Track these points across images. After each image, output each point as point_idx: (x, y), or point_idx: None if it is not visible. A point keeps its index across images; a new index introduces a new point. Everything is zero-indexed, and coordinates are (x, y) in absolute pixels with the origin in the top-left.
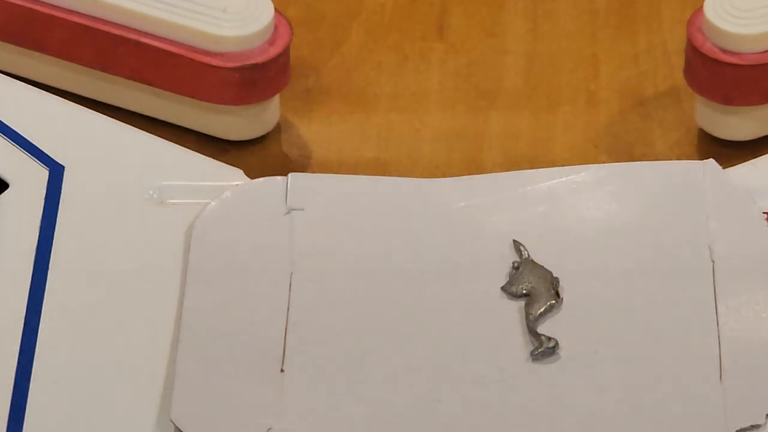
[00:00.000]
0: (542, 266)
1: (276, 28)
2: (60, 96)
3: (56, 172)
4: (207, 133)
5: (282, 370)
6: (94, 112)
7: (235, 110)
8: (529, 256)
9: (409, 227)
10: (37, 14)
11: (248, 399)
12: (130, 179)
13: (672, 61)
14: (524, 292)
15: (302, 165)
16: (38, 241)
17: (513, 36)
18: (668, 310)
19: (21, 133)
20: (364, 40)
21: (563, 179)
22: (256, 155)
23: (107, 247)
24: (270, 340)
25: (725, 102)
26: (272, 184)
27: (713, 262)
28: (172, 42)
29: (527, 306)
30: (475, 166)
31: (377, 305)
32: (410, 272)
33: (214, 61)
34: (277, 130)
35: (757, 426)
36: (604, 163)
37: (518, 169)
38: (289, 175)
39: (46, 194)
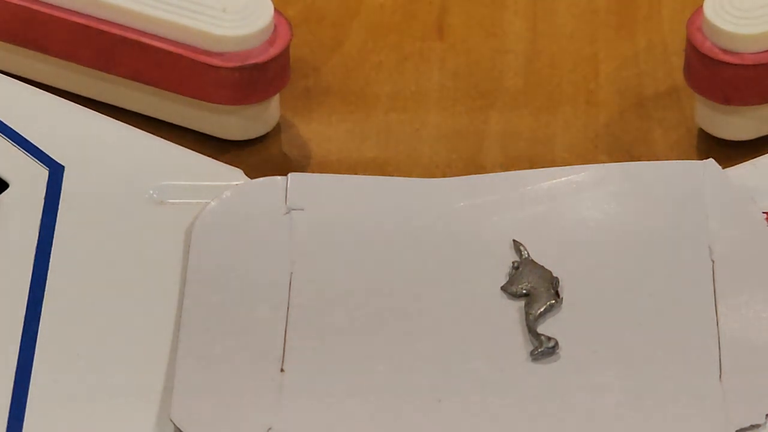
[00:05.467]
0: (542, 266)
1: (276, 28)
2: (60, 96)
3: (56, 172)
4: (207, 133)
5: (282, 370)
6: (94, 112)
7: (235, 110)
8: (529, 256)
9: (409, 227)
10: (37, 14)
11: (248, 399)
12: (130, 179)
13: (672, 61)
14: (524, 292)
15: (302, 165)
16: (38, 241)
17: (513, 36)
18: (668, 310)
19: (21, 133)
20: (364, 40)
21: (563, 179)
22: (256, 155)
23: (107, 247)
24: (270, 340)
25: (725, 102)
26: (272, 184)
27: (713, 262)
28: (172, 42)
29: (527, 306)
30: (475, 166)
31: (377, 305)
32: (410, 272)
33: (214, 61)
34: (277, 130)
35: (757, 426)
36: (604, 163)
37: (518, 169)
38: (289, 175)
39: (46, 194)
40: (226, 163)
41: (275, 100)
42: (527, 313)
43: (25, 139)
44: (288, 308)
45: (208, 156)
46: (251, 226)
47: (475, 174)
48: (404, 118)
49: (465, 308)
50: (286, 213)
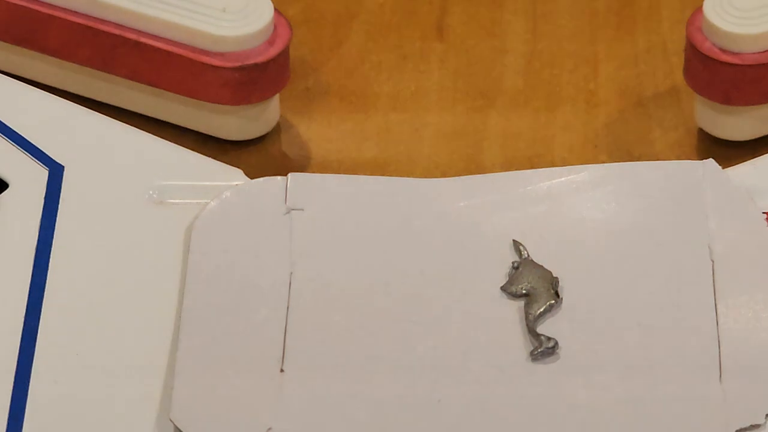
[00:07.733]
0: (542, 266)
1: (276, 28)
2: (60, 96)
3: (56, 172)
4: (207, 133)
5: (282, 370)
6: (94, 112)
7: (235, 110)
8: (529, 256)
9: (408, 227)
10: (37, 14)
11: (248, 399)
12: (130, 179)
13: (672, 61)
14: (524, 292)
15: (302, 165)
16: (38, 241)
17: (513, 36)
18: (668, 310)
19: (21, 133)
20: (364, 40)
21: (563, 179)
22: (256, 155)
23: (107, 246)
24: (270, 340)
25: (725, 102)
26: (272, 184)
27: (713, 262)
28: (172, 42)
29: (527, 306)
30: (475, 166)
31: (377, 305)
32: (410, 272)
33: (214, 61)
34: (277, 130)
35: (757, 426)
36: (604, 163)
37: (518, 169)
38: (289, 175)
39: (46, 194)
40: (226, 163)
41: (275, 100)
42: (527, 313)
43: (25, 139)
44: (288, 308)
45: (208, 156)
46: (251, 226)
47: (475, 174)
48: (404, 118)
49: (465, 308)
50: (286, 213)
